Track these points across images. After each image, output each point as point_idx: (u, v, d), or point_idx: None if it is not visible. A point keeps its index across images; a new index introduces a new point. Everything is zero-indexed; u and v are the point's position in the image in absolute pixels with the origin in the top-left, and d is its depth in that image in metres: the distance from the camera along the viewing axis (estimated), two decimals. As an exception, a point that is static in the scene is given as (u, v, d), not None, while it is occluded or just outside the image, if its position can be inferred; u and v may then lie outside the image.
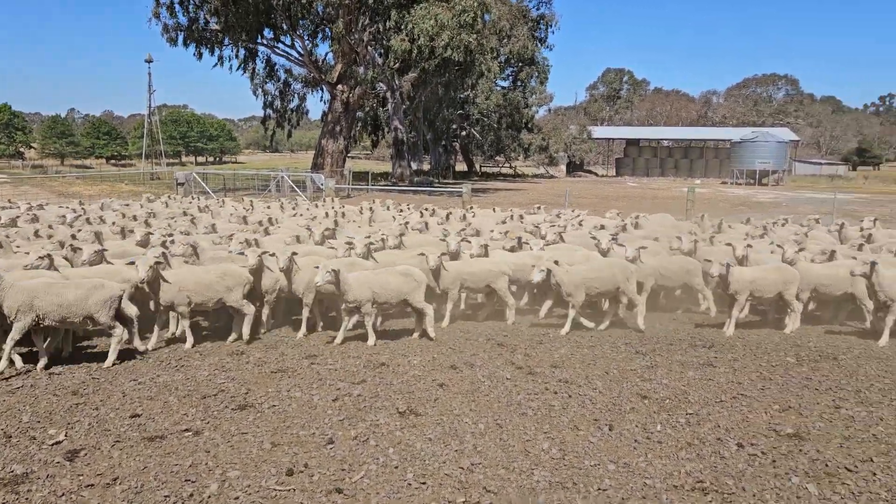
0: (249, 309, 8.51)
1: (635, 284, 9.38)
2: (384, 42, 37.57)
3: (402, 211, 16.65)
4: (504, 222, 14.16)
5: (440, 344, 8.63)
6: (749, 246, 10.21)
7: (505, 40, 48.12)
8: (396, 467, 5.31)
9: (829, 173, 70.23)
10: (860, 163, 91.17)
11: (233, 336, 8.60)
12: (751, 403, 6.70)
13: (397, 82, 41.90)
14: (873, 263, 8.59)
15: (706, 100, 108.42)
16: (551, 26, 56.23)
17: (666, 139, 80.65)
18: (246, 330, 8.48)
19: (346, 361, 7.89)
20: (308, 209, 17.05)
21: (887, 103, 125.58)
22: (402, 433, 5.92)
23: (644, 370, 7.68)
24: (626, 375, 7.50)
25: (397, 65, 39.31)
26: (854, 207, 31.68)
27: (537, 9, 56.42)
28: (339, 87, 41.04)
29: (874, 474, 5.22)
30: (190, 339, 8.35)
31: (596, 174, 73.52)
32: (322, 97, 47.83)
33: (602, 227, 13.68)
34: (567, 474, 5.23)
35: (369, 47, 38.83)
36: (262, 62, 45.00)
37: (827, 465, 5.37)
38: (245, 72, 44.15)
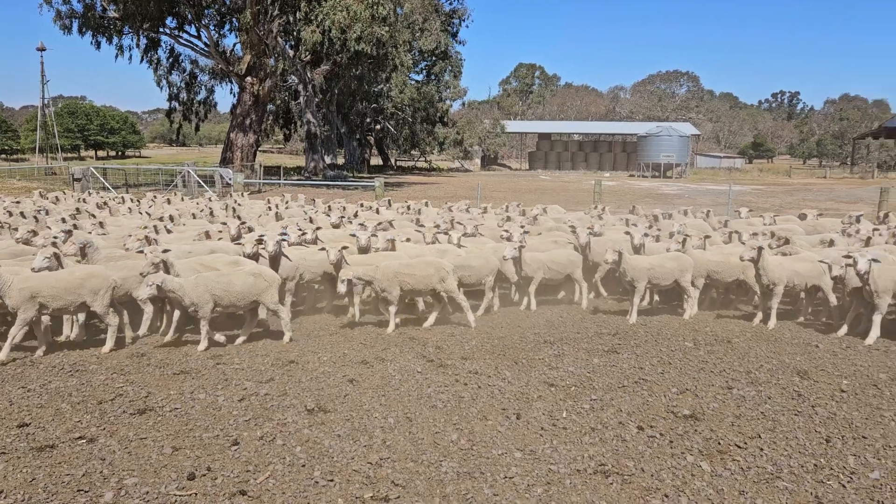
0: (113, 320, 7.91)
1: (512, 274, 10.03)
2: (294, 33, 36.84)
3: (312, 206, 16.37)
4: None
5: (351, 339, 8.56)
6: (646, 235, 10.60)
7: (418, 34, 48.15)
8: (304, 466, 5.23)
9: (727, 166, 73.99)
10: (755, 156, 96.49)
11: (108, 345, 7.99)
12: (651, 387, 6.96)
13: (309, 75, 41.21)
14: (760, 248, 9.08)
15: (614, 95, 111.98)
16: (464, 20, 56.76)
17: (577, 133, 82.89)
18: (109, 344, 7.90)
19: (254, 360, 7.71)
20: (210, 204, 16.51)
21: (779, 100, 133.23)
22: (310, 431, 5.84)
23: (552, 359, 7.86)
24: (535, 365, 7.66)
25: (309, 57, 38.68)
26: (750, 199, 33.43)
27: (450, 3, 56.79)
28: (249, 79, 39.98)
29: (761, 449, 5.53)
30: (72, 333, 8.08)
31: (510, 168, 74.75)
32: (231, 89, 46.68)
33: (508, 218, 13.94)
34: (475, 464, 5.28)
35: (279, 39, 37.99)
36: (166, 52, 43.30)
37: (719, 444, 5.65)
38: (148, 62, 42.35)
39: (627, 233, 10.66)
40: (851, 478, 5.06)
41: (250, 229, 10.97)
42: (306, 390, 6.78)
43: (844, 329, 8.87)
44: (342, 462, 5.30)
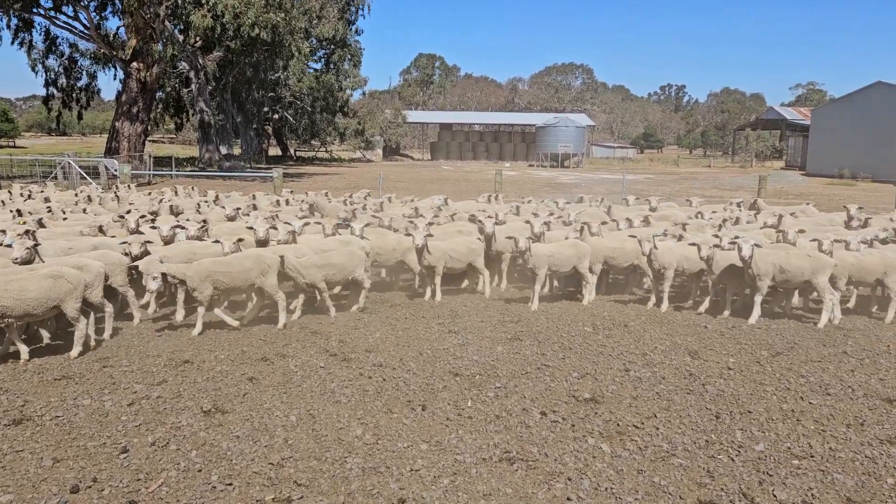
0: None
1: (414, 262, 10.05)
2: (183, 17, 35.18)
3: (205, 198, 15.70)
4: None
5: (250, 335, 8.27)
6: (546, 224, 10.81)
7: (315, 21, 47.13)
8: (200, 471, 4.98)
9: (621, 156, 76.92)
10: (646, 146, 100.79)
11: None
12: (553, 373, 7.09)
13: (201, 61, 39.52)
14: (654, 236, 9.44)
15: (513, 86, 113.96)
16: (361, 9, 55.96)
17: (477, 124, 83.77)
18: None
19: (145, 361, 7.29)
20: (100, 197, 15.55)
21: (667, 92, 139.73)
22: (206, 433, 5.57)
23: (456, 348, 7.87)
24: (439, 355, 7.64)
25: (199, 42, 37.08)
26: (642, 187, 34.82)
27: (347, -9, 55.80)
28: (135, 64, 37.93)
29: (657, 429, 5.73)
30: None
31: (412, 158, 74.67)
32: (116, 75, 44.09)
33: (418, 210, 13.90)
34: (380, 458, 5.20)
35: (167, 23, 36.17)
36: (41, 34, 40.41)
37: (618, 425, 5.82)
38: (20, 45, 39.38)
39: (528, 221, 10.83)
40: (739, 451, 5.32)
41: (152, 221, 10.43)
42: (202, 391, 6.48)
43: (728, 311, 9.36)
44: (241, 464, 5.08)
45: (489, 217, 10.95)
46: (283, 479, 4.88)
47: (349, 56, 59.46)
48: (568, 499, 4.67)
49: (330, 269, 9.03)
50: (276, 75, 48.91)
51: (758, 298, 9.01)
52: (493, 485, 4.84)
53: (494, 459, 5.21)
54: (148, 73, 38.06)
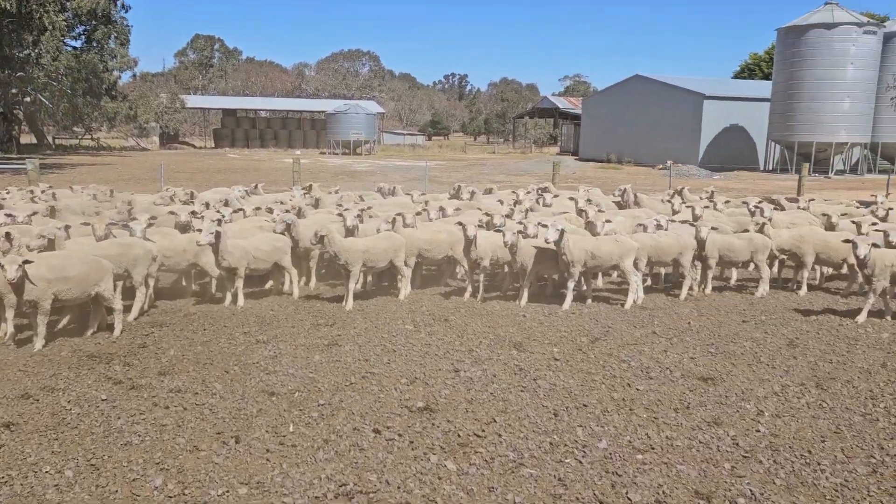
0: None
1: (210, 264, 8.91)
2: None
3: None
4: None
5: (5, 366, 6.69)
6: (358, 217, 10.16)
7: (72, -8, 41.86)
8: (-65, 569, 3.72)
9: (411, 143, 78.11)
10: (434, 133, 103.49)
11: None
12: (380, 380, 6.49)
13: (-75, 32, 33.28)
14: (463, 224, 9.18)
15: (299, 72, 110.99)
16: (128, -18, 50.76)
17: (264, 110, 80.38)
18: None
19: None
20: None
21: (451, 81, 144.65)
22: (-56, 512, 4.24)
23: (268, 361, 6.97)
24: (249, 371, 6.71)
25: (-78, 10, 31.18)
26: (436, 173, 35.33)
27: (108, -39, 50.21)
28: None
29: (500, 436, 5.37)
30: None
31: (194, 146, 69.73)
32: None
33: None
34: (190, 515, 4.27)
35: None
36: None
37: (459, 436, 5.37)
38: None
39: (341, 214, 10.09)
40: (585, 451, 5.11)
41: None
42: (-63, 450, 5.01)
43: (525, 297, 9.30)
44: (-2, 551, 3.89)
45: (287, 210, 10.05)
46: (60, 564, 3.79)
47: (115, 34, 53.76)
48: (420, 534, 4.12)
49: (63, 283, 7.17)
50: (26, 52, 42.70)
51: (570, 284, 9.11)
52: (333, 529, 4.15)
53: (329, 497, 4.50)
54: None
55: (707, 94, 44.15)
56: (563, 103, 76.92)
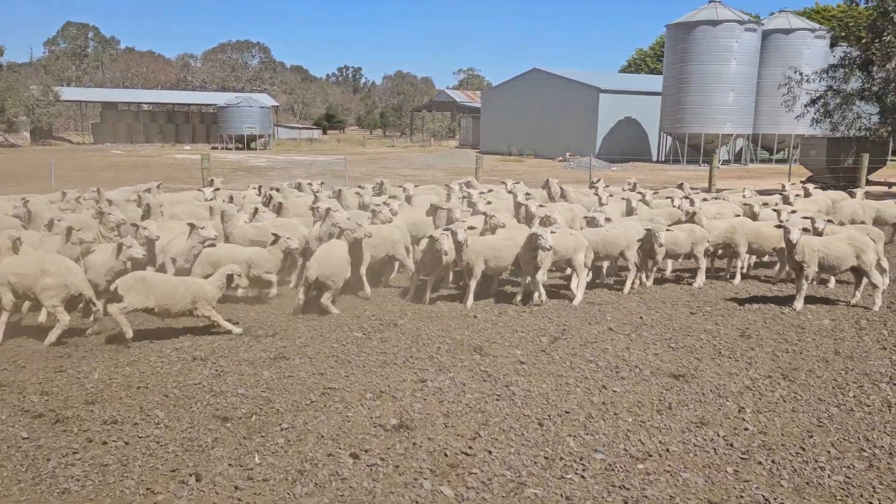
0: None
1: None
2: None
3: None
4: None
5: None
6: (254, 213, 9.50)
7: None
8: None
9: (307, 137, 76.24)
10: (329, 127, 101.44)
11: None
12: (343, 396, 5.96)
13: None
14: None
15: (184, 63, 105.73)
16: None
17: (147, 103, 75.95)
18: None
19: None
20: None
21: (345, 74, 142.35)
22: None
23: (211, 381, 6.27)
24: (192, 393, 5.99)
25: None
26: (339, 168, 34.42)
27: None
28: None
29: (489, 452, 4.98)
30: None
31: (70, 142, 64.99)
32: None
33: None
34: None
35: None
36: None
37: (446, 455, 4.94)
38: None
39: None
40: (584, 464, 4.82)
41: None
42: None
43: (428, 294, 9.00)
44: None
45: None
46: None
47: (-24, 19, 49.11)
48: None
49: None
50: None
51: (472, 283, 8.77)
52: (335, 580, 3.63)
53: (322, 539, 3.97)
54: None
55: (602, 87, 45.47)
56: (460, 97, 77.32)
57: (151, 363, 6.71)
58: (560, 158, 44.07)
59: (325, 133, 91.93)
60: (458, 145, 66.34)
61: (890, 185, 21.59)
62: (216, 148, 57.01)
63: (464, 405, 5.80)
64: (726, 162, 41.69)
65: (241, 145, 56.55)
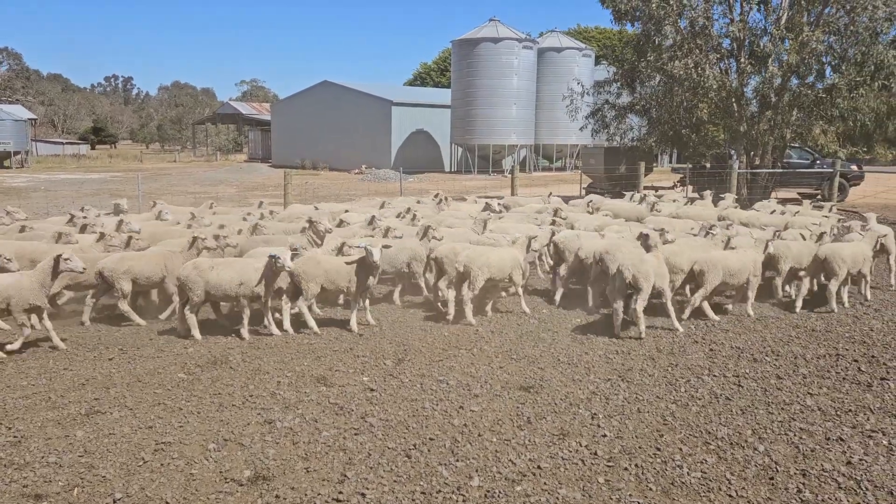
0: None
1: None
2: None
3: None
4: None
5: None
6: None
7: None
8: None
9: (72, 153, 68.92)
10: (98, 141, 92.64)
11: None
12: (182, 451, 5.24)
13: None
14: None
15: None
16: None
17: None
18: None
19: None
20: None
21: (114, 84, 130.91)
22: None
23: (10, 451, 5.20)
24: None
25: None
26: (118, 186, 31.50)
27: None
28: None
29: (363, 496, 4.62)
30: None
31: None
32: None
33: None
34: None
35: None
36: None
37: (316, 505, 4.51)
38: None
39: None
40: (463, 494, 4.63)
41: None
42: None
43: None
44: None
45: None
46: None
47: None
48: None
49: None
50: None
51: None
52: None
53: None
54: None
55: (394, 100, 46.19)
56: (246, 108, 74.55)
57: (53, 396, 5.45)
58: (356, 171, 44.04)
59: (93, 148, 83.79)
60: (247, 159, 63.72)
61: (657, 189, 24.19)
62: (-41, 166, 49.41)
63: (322, 445, 5.37)
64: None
65: (-7, 163, 49.51)
